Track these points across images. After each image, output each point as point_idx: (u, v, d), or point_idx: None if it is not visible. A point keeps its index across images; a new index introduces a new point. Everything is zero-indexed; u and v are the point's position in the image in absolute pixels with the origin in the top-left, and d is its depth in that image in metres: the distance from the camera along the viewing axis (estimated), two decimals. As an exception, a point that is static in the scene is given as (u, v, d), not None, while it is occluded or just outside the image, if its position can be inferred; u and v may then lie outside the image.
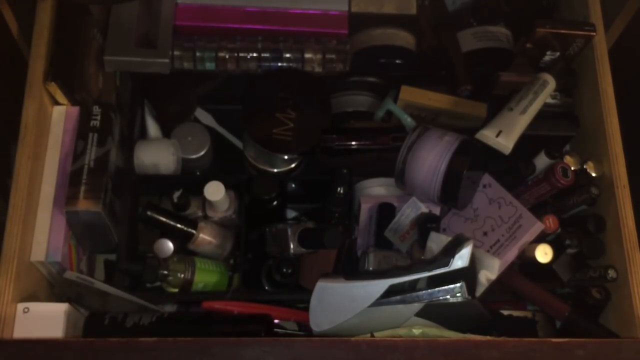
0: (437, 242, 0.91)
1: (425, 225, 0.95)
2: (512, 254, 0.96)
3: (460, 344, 0.80)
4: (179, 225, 1.00)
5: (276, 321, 0.99)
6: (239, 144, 1.11)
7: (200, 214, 1.03)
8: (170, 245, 0.99)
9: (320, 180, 1.06)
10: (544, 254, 0.96)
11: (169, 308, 1.01)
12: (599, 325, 0.96)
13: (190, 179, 1.07)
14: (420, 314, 0.86)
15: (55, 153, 0.95)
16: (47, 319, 0.85)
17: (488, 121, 1.00)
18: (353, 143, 1.04)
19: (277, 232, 1.00)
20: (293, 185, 1.09)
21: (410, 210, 0.99)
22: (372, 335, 0.84)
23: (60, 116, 0.97)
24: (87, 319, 0.91)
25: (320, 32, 1.07)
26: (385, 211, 1.01)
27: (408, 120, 1.05)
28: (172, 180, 1.04)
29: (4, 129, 1.02)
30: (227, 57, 1.05)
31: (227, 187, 1.00)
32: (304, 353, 0.77)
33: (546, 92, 1.01)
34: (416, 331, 0.84)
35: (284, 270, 0.97)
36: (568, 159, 1.03)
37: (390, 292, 0.85)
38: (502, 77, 1.06)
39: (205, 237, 1.00)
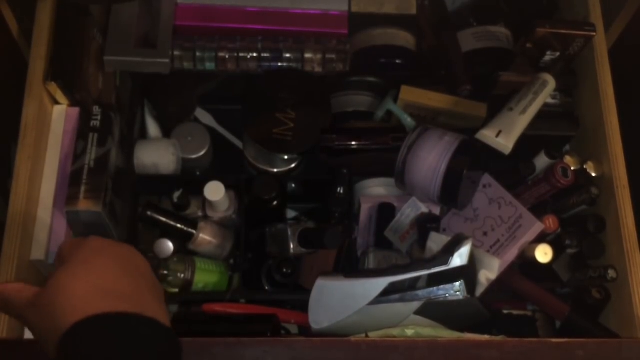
0: (437, 242, 0.91)
1: (425, 225, 0.95)
2: (512, 254, 0.96)
3: (460, 344, 0.80)
4: (179, 225, 1.00)
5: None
6: (239, 144, 1.11)
7: (200, 214, 1.03)
8: (170, 245, 0.99)
9: (320, 180, 1.06)
10: (544, 254, 0.96)
11: (170, 308, 1.01)
12: (599, 325, 0.96)
13: (190, 179, 1.07)
14: (419, 312, 0.86)
15: (55, 153, 0.95)
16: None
17: (488, 121, 1.00)
18: (353, 143, 1.04)
19: (277, 232, 1.00)
20: (293, 185, 1.09)
21: (410, 210, 0.98)
22: (367, 335, 0.84)
23: (60, 116, 0.97)
24: None
25: (320, 32, 1.07)
26: (385, 211, 1.00)
27: (408, 120, 1.05)
28: (172, 180, 1.04)
29: (4, 129, 1.02)
30: (227, 57, 1.05)
31: (227, 187, 1.00)
32: (304, 353, 0.77)
33: (546, 92, 1.01)
34: (409, 331, 0.83)
35: (284, 270, 0.96)
36: (568, 159, 1.03)
37: (390, 290, 0.85)
38: (502, 77, 1.06)
39: (205, 237, 1.00)
